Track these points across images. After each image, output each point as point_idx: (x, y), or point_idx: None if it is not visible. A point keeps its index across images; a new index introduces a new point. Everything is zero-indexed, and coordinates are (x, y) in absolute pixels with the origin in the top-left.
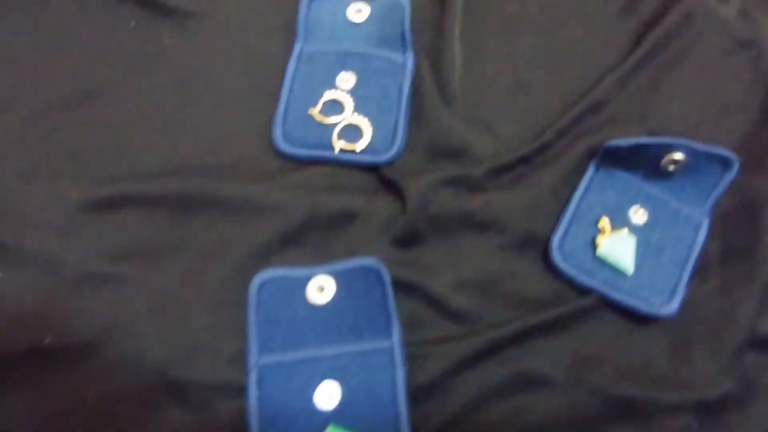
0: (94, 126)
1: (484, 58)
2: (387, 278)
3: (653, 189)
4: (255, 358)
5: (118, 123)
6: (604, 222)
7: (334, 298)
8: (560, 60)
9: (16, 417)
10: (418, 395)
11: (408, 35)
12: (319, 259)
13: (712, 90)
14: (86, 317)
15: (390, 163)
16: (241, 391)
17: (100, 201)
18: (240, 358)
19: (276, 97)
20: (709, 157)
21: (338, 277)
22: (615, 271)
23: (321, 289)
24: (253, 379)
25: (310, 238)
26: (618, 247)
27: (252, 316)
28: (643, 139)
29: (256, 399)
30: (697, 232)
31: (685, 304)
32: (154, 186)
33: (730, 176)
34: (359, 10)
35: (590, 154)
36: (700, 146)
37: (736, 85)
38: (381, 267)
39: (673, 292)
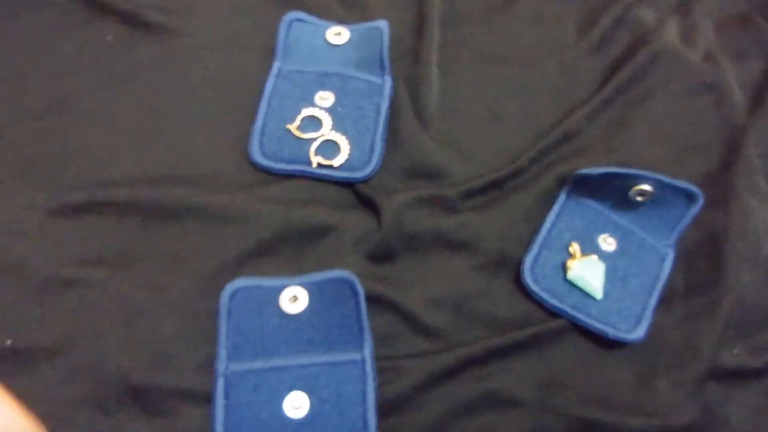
0: (66, 135)
1: (459, 86)
2: (361, 291)
3: (621, 219)
4: (223, 366)
5: (89, 132)
6: (575, 247)
7: (306, 309)
8: (532, 93)
9: None
10: (387, 409)
11: (386, 60)
12: (291, 271)
13: (677, 129)
14: (49, 321)
15: (365, 181)
16: (207, 398)
17: (69, 207)
18: (207, 365)
19: (252, 114)
20: (675, 190)
21: (312, 288)
22: (584, 295)
23: (294, 299)
24: (220, 386)
25: (283, 251)
26: (588, 272)
27: (222, 324)
28: (612, 169)
29: (222, 407)
30: (662, 263)
31: (651, 333)
32: (124, 192)
33: (694, 210)
34: (338, 34)
35: (561, 182)
36: (667, 179)
37: (700, 126)
38: (355, 279)
39: (639, 318)
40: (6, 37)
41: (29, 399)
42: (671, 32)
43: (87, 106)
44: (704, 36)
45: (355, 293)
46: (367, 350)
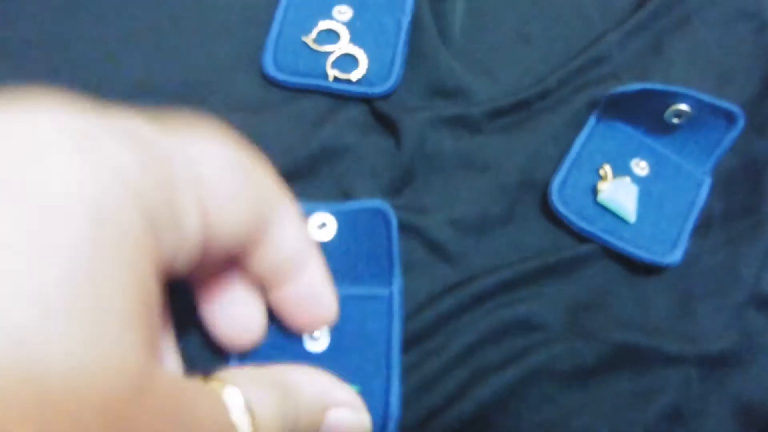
0: (76, 39)
1: (485, 6)
2: (394, 222)
3: (655, 143)
4: None
5: (100, 37)
6: (606, 168)
7: (335, 238)
8: (562, 16)
9: None
10: (411, 342)
11: None
12: (309, 194)
13: (715, 56)
14: None
15: (385, 97)
16: None
17: None
18: None
19: (267, 26)
20: (715, 110)
21: (341, 216)
22: (616, 219)
23: (323, 225)
24: None
25: (299, 172)
26: (620, 194)
27: None
28: (650, 85)
29: None
30: (698, 189)
31: (688, 258)
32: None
33: (734, 132)
34: None
35: (591, 106)
36: (707, 98)
37: (738, 55)
38: (389, 210)
39: (675, 242)
40: None
41: None
42: None
43: (99, 9)
44: None
45: (388, 224)
46: (396, 286)
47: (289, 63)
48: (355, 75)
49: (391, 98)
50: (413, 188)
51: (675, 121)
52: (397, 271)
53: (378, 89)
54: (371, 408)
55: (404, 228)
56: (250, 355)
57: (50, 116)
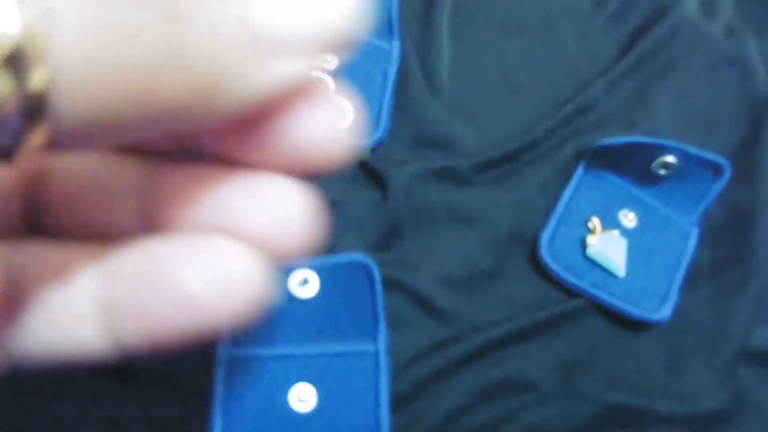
0: None
1: (471, 55)
2: (377, 276)
3: (643, 194)
4: (225, 351)
5: None
6: (595, 221)
7: (318, 294)
8: (548, 63)
9: None
10: (399, 400)
11: (395, 23)
12: None
13: (700, 103)
14: None
15: (372, 150)
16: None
17: None
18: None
19: None
20: (701, 162)
21: (323, 271)
22: (605, 273)
23: (305, 282)
24: (221, 374)
25: None
26: (609, 248)
27: None
28: (637, 138)
29: (222, 397)
30: (686, 241)
31: (678, 313)
32: None
33: (720, 184)
34: None
35: (579, 156)
36: (693, 150)
37: (723, 101)
38: (371, 264)
39: (664, 297)
40: None
41: None
42: (691, 4)
43: None
44: (724, 9)
45: (371, 279)
46: (382, 341)
47: None
48: None
49: (377, 150)
50: (400, 243)
51: (662, 172)
52: (383, 326)
53: (365, 142)
54: None
55: (391, 284)
56: (235, 415)
57: None
